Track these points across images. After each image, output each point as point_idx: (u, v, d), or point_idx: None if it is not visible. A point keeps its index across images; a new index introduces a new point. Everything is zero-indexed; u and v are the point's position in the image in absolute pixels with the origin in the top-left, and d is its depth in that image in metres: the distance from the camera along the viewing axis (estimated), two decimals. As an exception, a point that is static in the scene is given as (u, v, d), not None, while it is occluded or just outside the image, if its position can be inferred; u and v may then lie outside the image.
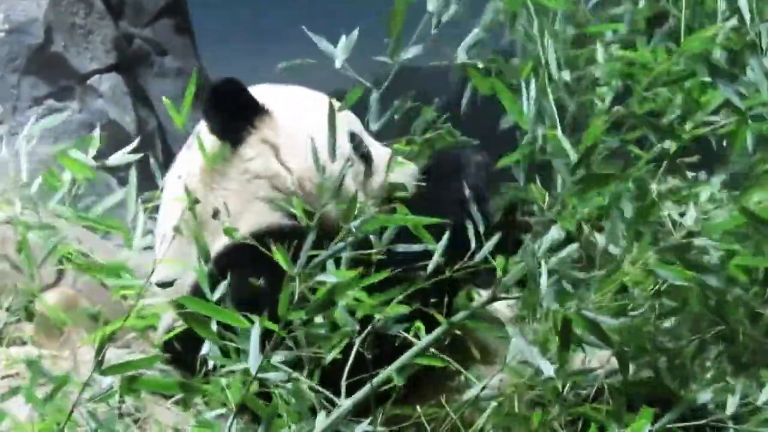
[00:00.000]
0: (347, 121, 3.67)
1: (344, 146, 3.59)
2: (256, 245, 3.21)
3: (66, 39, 9.38)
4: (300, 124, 3.60)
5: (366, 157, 3.66)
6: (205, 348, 2.90)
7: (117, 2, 9.67)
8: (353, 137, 3.67)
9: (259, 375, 2.74)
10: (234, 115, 3.53)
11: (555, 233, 2.94)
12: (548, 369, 2.86)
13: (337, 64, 3.19)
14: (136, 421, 3.30)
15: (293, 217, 3.40)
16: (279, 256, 2.84)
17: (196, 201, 3.43)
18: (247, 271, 3.16)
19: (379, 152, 3.72)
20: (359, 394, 2.88)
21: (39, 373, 2.85)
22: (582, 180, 2.95)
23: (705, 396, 3.04)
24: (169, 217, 3.61)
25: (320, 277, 2.83)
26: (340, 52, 3.20)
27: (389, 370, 2.90)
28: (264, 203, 3.54)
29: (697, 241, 2.93)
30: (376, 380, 2.88)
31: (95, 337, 2.80)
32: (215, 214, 3.45)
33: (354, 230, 2.88)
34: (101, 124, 8.85)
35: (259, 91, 3.66)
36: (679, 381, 3.10)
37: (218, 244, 3.44)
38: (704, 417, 3.02)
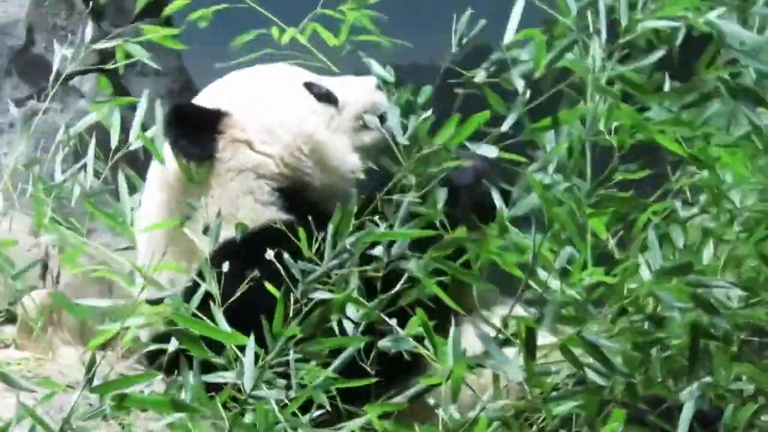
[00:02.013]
0: (297, 75, 3.68)
1: (306, 101, 3.60)
2: (252, 243, 3.21)
3: (47, 40, 9.33)
4: (260, 109, 3.60)
5: (329, 98, 3.67)
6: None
7: (98, 2, 9.63)
8: (310, 86, 3.68)
9: (253, 393, 2.71)
10: (198, 136, 3.51)
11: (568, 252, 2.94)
12: (517, 374, 2.85)
13: None
14: (120, 425, 3.29)
15: (285, 209, 3.40)
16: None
17: (182, 223, 3.42)
18: (243, 270, 3.14)
19: (338, 85, 3.74)
20: None
21: (11, 383, 2.82)
22: (599, 202, 2.95)
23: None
24: (152, 221, 3.58)
25: (315, 295, 2.81)
26: None
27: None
28: (254, 199, 3.53)
29: (715, 283, 2.93)
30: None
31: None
32: (206, 231, 3.42)
33: (349, 246, 2.85)
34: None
35: (209, 94, 3.66)
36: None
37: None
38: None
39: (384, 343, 2.94)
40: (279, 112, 3.54)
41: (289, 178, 3.55)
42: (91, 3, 8.61)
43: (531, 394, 2.97)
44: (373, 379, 2.93)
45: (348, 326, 2.89)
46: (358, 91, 3.73)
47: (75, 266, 3.57)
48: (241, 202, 3.53)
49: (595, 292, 2.99)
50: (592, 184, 2.97)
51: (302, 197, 3.51)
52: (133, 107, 3.93)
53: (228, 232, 3.36)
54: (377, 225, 2.91)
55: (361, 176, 3.64)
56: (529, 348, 2.87)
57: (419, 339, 2.95)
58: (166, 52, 10.15)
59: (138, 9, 3.86)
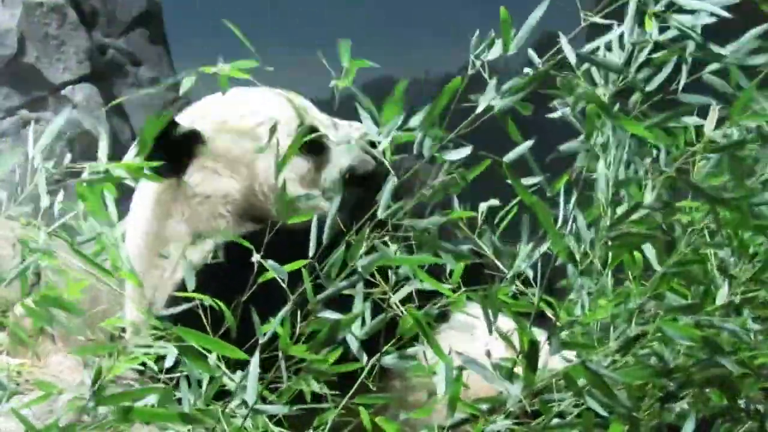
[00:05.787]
0: (294, 115, 3.63)
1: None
2: (229, 256, 3.22)
3: (39, 49, 9.38)
4: (236, 144, 3.58)
5: (317, 149, 3.62)
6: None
7: (90, 13, 9.68)
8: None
9: (257, 407, 2.71)
10: (169, 151, 3.47)
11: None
12: (514, 390, 2.83)
13: None
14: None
15: (255, 222, 3.44)
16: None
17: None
18: (227, 281, 3.15)
19: (341, 135, 3.68)
20: None
21: (2, 388, 2.85)
22: (618, 237, 2.95)
23: None
24: (136, 237, 3.61)
25: (323, 314, 2.80)
26: None
27: None
28: (225, 221, 3.55)
29: (725, 325, 2.92)
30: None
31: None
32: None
33: (360, 269, 2.83)
34: (75, 134, 8.88)
35: (193, 114, 3.65)
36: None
37: (194, 258, 3.46)
38: None
39: (387, 361, 2.93)
40: (254, 156, 3.52)
41: (256, 208, 3.52)
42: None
43: (529, 408, 2.92)
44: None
45: (353, 343, 2.87)
46: (345, 148, 3.66)
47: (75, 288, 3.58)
48: (213, 223, 3.55)
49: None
50: (613, 220, 2.94)
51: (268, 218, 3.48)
52: (123, 115, 3.93)
53: (199, 251, 3.40)
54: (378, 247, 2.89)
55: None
56: (531, 362, 2.83)
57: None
58: (159, 63, 10.21)
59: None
